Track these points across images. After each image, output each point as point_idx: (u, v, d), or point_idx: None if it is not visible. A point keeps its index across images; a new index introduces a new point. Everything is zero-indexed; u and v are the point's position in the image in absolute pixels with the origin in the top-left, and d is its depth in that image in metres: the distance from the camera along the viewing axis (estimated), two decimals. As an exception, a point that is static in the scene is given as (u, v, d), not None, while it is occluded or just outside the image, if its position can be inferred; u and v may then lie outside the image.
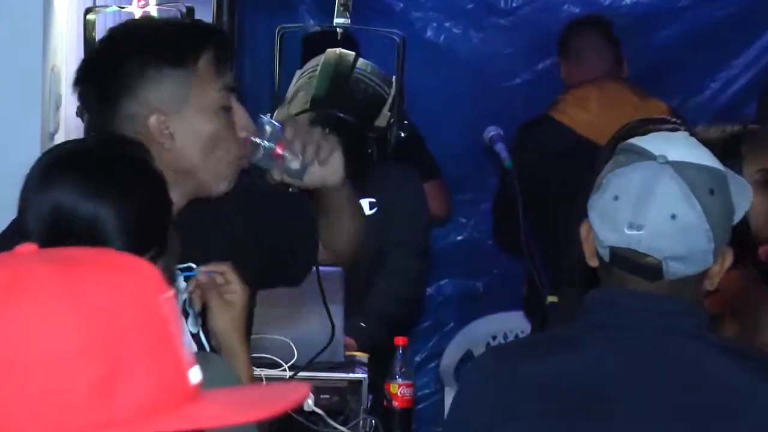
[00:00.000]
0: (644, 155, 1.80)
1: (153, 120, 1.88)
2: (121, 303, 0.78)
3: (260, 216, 2.26)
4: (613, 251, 1.81)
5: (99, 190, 1.70)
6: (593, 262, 1.87)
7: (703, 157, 1.82)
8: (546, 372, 1.87)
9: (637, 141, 1.88)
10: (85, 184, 1.69)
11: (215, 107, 1.95)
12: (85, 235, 1.67)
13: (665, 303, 1.84)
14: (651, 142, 1.84)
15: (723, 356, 1.86)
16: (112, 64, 2.02)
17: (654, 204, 1.77)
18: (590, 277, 1.99)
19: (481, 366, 2.07)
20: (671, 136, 1.96)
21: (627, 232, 1.78)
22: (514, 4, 4.30)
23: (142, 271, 0.83)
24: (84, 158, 1.78)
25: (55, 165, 1.74)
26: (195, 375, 0.82)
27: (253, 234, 2.17)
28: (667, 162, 1.75)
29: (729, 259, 1.78)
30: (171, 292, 0.85)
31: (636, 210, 1.77)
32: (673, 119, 2.72)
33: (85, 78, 2.02)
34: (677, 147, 1.83)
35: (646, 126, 2.36)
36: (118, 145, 1.97)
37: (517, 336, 4.03)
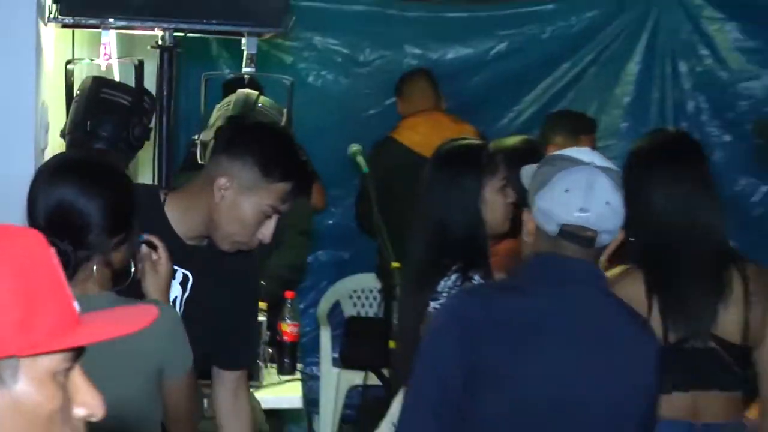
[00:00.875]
0: (579, 162, 2.05)
1: (222, 179, 2.13)
2: (27, 259, 0.86)
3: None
4: (563, 228, 2.06)
5: (90, 189, 1.94)
6: (528, 237, 2.13)
7: (609, 163, 2.12)
8: (506, 309, 2.10)
9: (569, 152, 2.15)
10: (81, 185, 1.93)
11: (263, 208, 2.16)
12: (77, 221, 1.93)
13: (589, 265, 2.09)
14: (579, 154, 2.11)
15: (616, 306, 2.15)
16: (238, 140, 2.27)
17: (596, 194, 2.02)
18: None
19: (455, 303, 2.28)
20: (588, 151, 2.19)
21: (577, 214, 2.03)
22: (370, 58, 5.01)
23: (33, 236, 0.88)
24: (80, 166, 2.02)
25: (59, 170, 1.99)
26: (76, 306, 0.90)
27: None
28: (597, 166, 2.03)
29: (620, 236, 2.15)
30: (53, 250, 0.92)
31: (585, 198, 2.01)
32: (481, 139, 3.19)
33: (216, 136, 2.44)
34: (597, 157, 2.12)
35: (459, 142, 2.70)
36: (101, 157, 2.36)
37: (372, 291, 4.56)
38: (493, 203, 2.61)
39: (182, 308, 2.23)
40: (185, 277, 2.26)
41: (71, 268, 1.86)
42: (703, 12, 5.10)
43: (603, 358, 2.15)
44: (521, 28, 5.10)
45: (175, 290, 2.31)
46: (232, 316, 2.30)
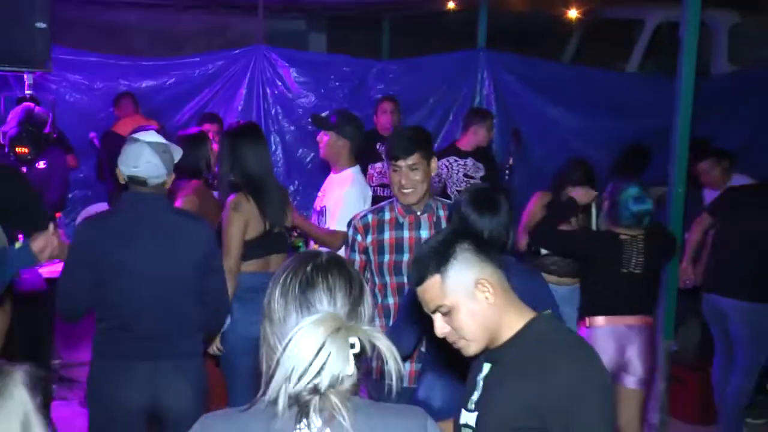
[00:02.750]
0: (137, 140, 3.12)
1: None
2: None
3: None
4: (129, 176, 3.09)
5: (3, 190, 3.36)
6: (123, 181, 3.09)
7: (159, 139, 3.12)
8: (107, 223, 3.16)
9: (136, 135, 3.15)
10: None
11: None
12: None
13: (154, 194, 3.17)
14: (141, 135, 3.11)
15: (176, 213, 3.25)
16: None
17: (143, 158, 3.10)
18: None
19: (86, 224, 3.20)
20: (150, 133, 3.13)
21: (133, 169, 3.11)
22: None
23: None
24: None
25: None
26: None
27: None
28: (145, 142, 3.09)
29: None
30: None
31: (137, 160, 3.12)
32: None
33: None
34: (149, 136, 3.06)
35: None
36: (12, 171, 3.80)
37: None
38: None
39: None
40: None
41: None
42: (277, 62, 7.85)
43: (172, 241, 3.15)
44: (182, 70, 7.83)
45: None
46: None
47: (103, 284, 3.26)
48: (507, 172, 6.81)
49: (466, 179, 6.57)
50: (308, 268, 1.68)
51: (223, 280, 3.52)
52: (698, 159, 5.87)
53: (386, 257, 3.58)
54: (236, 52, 8.09)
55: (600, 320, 4.29)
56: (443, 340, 2.08)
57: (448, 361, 2.61)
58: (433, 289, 2.03)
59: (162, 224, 3.33)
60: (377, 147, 6.78)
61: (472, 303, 2.03)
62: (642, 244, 4.33)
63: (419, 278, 2.04)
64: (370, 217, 3.68)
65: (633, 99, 8.19)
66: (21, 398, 1.55)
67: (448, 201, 3.82)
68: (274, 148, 7.84)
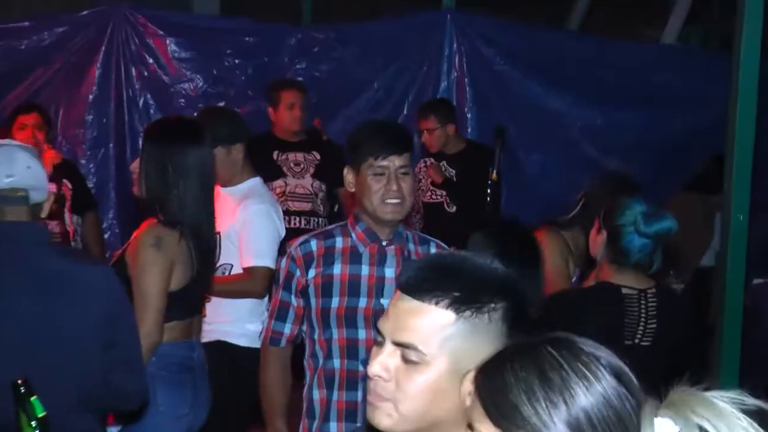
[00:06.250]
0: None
1: None
2: None
3: None
4: None
5: None
6: None
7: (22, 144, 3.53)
8: None
9: None
10: None
11: None
12: None
13: (27, 224, 3.23)
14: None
15: (55, 251, 3.36)
16: None
17: (17, 163, 3.15)
18: None
19: None
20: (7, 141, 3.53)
21: (6, 180, 3.15)
22: None
23: None
24: None
25: None
26: None
27: None
28: (14, 146, 3.35)
29: None
30: None
31: (9, 167, 3.14)
32: None
33: None
34: (11, 142, 3.55)
35: None
36: None
37: None
38: None
39: None
40: None
41: None
42: (147, 29, 7.49)
43: (54, 298, 3.22)
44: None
45: None
46: None
47: None
48: (488, 190, 6.74)
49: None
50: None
51: (137, 350, 3.45)
52: None
53: (334, 300, 3.58)
54: (84, 13, 7.60)
55: None
56: None
57: None
58: (425, 321, 1.89)
59: (42, 271, 3.21)
60: (275, 157, 6.70)
61: (445, 381, 1.89)
62: (654, 301, 4.07)
63: (421, 289, 1.90)
64: (314, 243, 3.64)
65: (670, 83, 8.06)
66: None
67: (422, 234, 3.93)
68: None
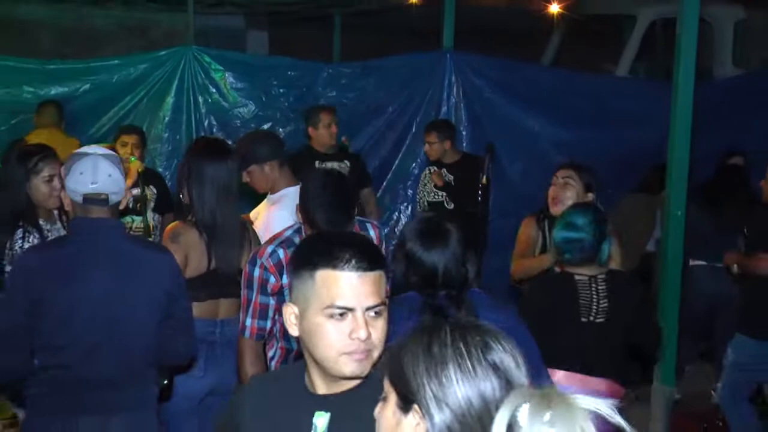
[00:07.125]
0: (86, 153, 3.13)
1: None
2: None
3: None
4: (84, 196, 3.09)
5: None
6: (68, 208, 3.14)
7: (107, 152, 3.26)
8: (53, 256, 3.19)
9: (83, 149, 3.18)
10: None
11: None
12: None
13: (109, 220, 3.16)
14: (88, 149, 3.20)
15: (133, 242, 3.32)
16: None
17: (100, 171, 3.10)
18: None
19: (26, 256, 3.34)
20: (95, 147, 3.33)
21: (91, 186, 3.11)
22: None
23: None
24: None
25: None
26: None
27: None
28: (99, 154, 3.14)
29: None
30: None
31: (93, 175, 3.09)
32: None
33: None
34: (99, 149, 3.27)
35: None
36: None
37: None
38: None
39: None
40: None
41: None
42: (211, 66, 7.99)
43: (127, 277, 3.18)
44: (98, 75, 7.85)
45: None
46: None
47: (46, 326, 3.25)
48: (480, 193, 6.92)
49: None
50: (451, 331, 1.62)
51: (189, 327, 3.55)
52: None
53: None
54: (162, 53, 8.14)
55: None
56: None
57: None
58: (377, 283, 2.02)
59: (118, 255, 3.33)
60: (317, 166, 6.86)
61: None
62: (605, 284, 4.09)
63: (372, 264, 2.01)
64: (281, 252, 3.66)
65: (624, 106, 8.32)
66: None
67: (372, 222, 4.03)
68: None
